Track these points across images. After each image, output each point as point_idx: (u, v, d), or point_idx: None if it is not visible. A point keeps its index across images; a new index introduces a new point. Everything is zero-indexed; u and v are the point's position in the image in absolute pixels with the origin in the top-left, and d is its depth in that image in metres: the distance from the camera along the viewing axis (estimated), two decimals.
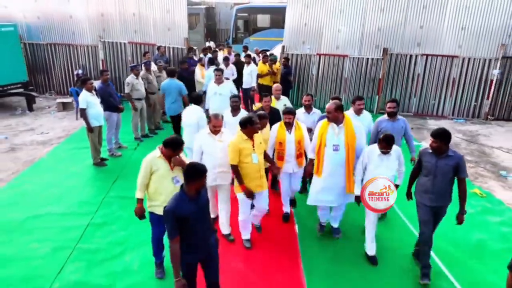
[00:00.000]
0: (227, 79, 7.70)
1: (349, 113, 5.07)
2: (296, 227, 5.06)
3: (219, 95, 6.74)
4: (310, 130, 5.05)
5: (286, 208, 5.20)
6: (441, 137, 3.73)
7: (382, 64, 10.57)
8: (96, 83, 7.16)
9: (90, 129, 6.40)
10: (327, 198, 4.45)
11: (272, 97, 6.00)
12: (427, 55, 10.36)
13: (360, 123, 4.71)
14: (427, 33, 10.21)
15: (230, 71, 9.58)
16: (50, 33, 11.79)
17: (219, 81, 6.86)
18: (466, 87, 10.39)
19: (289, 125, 4.72)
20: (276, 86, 6.25)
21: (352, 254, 4.51)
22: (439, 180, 3.84)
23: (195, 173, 2.87)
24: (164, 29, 11.28)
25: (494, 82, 10.11)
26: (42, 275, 3.99)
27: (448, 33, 10.11)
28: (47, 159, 7.16)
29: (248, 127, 4.09)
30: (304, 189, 5.78)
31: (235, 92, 6.77)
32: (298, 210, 5.43)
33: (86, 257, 4.32)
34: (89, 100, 6.36)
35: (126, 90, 7.62)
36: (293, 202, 5.45)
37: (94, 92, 6.64)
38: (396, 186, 4.10)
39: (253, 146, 4.15)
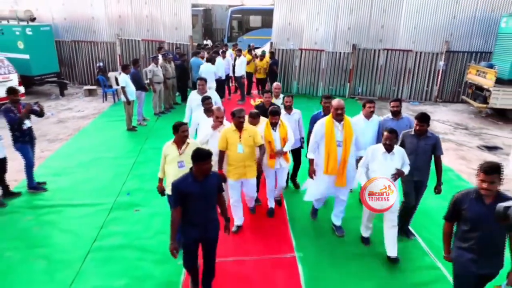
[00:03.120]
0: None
1: (360, 118, 5.25)
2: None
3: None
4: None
5: (271, 204, 5.42)
6: (426, 120, 4.29)
7: (352, 57, 12.94)
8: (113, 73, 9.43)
9: (128, 102, 8.65)
10: (328, 191, 4.79)
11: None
12: (387, 50, 12.75)
13: (370, 126, 5.16)
14: (387, 31, 12.60)
15: (227, 62, 11.90)
16: (75, 32, 13.93)
17: (202, 91, 6.63)
18: (419, 75, 12.81)
19: (274, 124, 4.94)
20: (276, 85, 6.50)
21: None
22: (420, 158, 4.33)
23: (199, 157, 3.21)
24: (172, 29, 13.51)
25: (440, 72, 12.53)
26: (113, 185, 6.24)
27: (404, 32, 12.51)
28: (89, 128, 9.40)
29: (233, 117, 4.55)
30: (295, 185, 6.18)
31: (219, 101, 6.94)
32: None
33: (138, 177, 6.57)
34: (127, 80, 8.61)
35: (149, 76, 9.84)
36: (278, 202, 5.61)
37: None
38: (400, 172, 4.13)
39: (240, 138, 4.53)
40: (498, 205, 2.22)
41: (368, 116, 5.22)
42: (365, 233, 4.74)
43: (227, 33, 20.82)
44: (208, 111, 5.34)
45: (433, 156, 4.48)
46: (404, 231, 4.84)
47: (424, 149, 4.35)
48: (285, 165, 5.11)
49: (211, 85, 9.48)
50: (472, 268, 3.00)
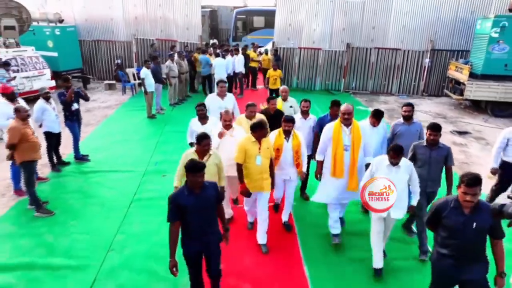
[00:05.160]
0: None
1: (365, 124, 5.07)
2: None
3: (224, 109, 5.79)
4: None
5: (285, 217, 5.22)
6: (438, 129, 4.23)
7: (346, 55, 14.29)
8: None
9: (146, 93, 10.06)
10: (341, 195, 4.69)
11: (279, 98, 6.42)
12: (378, 48, 14.10)
13: (376, 133, 5.01)
14: (378, 32, 13.95)
15: (232, 59, 13.28)
16: (95, 32, 15.35)
17: (223, 93, 6.44)
18: (407, 71, 14.16)
19: (287, 133, 4.70)
20: (283, 88, 6.48)
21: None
22: (433, 169, 4.30)
23: (191, 168, 3.10)
24: (184, 29, 14.92)
25: (426, 68, 13.86)
26: (143, 158, 7.63)
27: (393, 32, 13.86)
28: (114, 115, 10.82)
29: (258, 131, 4.26)
30: (306, 196, 5.88)
31: (236, 105, 6.73)
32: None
33: (162, 152, 7.95)
34: (147, 73, 10.03)
35: (165, 71, 11.25)
36: (287, 227, 5.19)
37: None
38: (412, 208, 4.12)
39: (259, 149, 4.32)
40: (494, 203, 2.42)
41: (373, 124, 5.09)
42: (378, 264, 4.27)
43: (232, 32, 22.14)
44: (201, 117, 5.31)
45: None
46: (406, 228, 5.01)
47: (437, 160, 4.32)
48: (294, 178, 4.92)
49: (222, 76, 10.98)
50: (452, 273, 3.04)
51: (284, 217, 5.24)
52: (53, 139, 6.76)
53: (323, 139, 4.69)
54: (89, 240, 4.87)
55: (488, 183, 5.95)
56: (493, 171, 5.46)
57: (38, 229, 5.05)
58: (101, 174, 6.89)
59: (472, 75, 11.17)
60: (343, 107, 4.53)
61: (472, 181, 2.77)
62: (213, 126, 5.07)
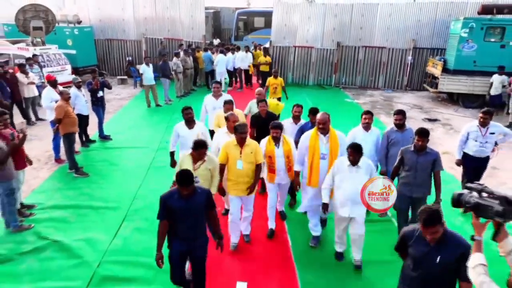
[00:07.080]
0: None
1: (359, 129, 5.23)
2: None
3: (218, 109, 6.28)
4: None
5: (271, 224, 5.07)
6: (426, 135, 4.23)
7: (336, 53, 15.69)
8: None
9: (141, 85, 11.56)
10: (317, 203, 4.68)
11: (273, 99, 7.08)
12: (366, 47, 15.48)
13: (369, 138, 5.11)
14: (365, 31, 15.34)
15: (232, 56, 14.70)
16: (108, 32, 16.82)
17: (217, 94, 6.62)
18: (392, 68, 15.54)
19: (276, 140, 4.68)
20: (258, 90, 6.79)
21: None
22: (419, 174, 4.28)
23: (179, 180, 3.19)
24: (189, 29, 16.37)
25: (409, 65, 15.24)
26: (155, 137, 9.09)
27: (379, 32, 15.25)
28: (128, 105, 12.31)
29: (237, 133, 4.32)
30: (294, 202, 5.85)
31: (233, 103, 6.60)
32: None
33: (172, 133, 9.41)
34: (144, 69, 11.50)
35: (173, 67, 12.71)
36: (283, 216, 5.38)
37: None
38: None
39: (241, 153, 4.34)
40: (454, 192, 2.24)
41: (366, 127, 5.24)
42: (339, 248, 4.64)
43: (234, 32, 23.56)
44: (189, 121, 5.21)
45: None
46: None
47: (424, 166, 4.31)
48: (287, 180, 4.97)
49: (223, 71, 12.38)
50: None
51: (280, 207, 5.41)
52: (82, 120, 8.22)
53: (300, 149, 4.69)
54: (118, 193, 6.33)
55: (445, 160, 7.26)
56: (457, 163, 5.72)
57: (78, 184, 6.54)
58: (121, 149, 8.36)
59: (446, 71, 12.54)
60: (318, 116, 4.51)
61: (428, 221, 2.57)
62: (199, 131, 5.13)
